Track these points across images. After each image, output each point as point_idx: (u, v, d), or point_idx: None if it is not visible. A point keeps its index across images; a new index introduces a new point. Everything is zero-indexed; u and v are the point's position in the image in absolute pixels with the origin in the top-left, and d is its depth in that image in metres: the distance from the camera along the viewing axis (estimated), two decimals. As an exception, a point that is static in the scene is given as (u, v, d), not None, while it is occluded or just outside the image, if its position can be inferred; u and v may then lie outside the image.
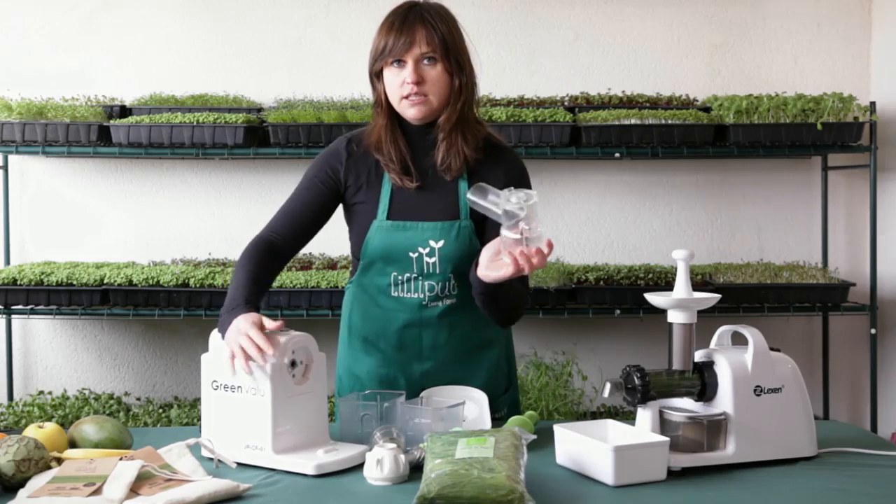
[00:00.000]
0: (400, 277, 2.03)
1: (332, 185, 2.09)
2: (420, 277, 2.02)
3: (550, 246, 1.78)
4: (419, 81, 1.98)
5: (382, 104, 2.05)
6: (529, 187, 2.07)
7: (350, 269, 2.18)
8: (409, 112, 2.02)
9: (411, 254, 2.01)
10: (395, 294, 2.04)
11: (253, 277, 1.93)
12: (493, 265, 1.84)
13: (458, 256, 2.01)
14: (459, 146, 2.03)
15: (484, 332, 2.10)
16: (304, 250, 3.57)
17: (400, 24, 1.99)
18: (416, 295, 2.03)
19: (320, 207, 2.09)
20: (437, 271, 2.02)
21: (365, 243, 2.04)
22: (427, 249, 2.01)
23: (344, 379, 2.17)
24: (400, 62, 2.00)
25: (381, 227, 2.03)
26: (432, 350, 2.06)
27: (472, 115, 2.07)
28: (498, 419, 2.09)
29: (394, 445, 1.63)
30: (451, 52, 2.01)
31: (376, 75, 2.05)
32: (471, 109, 2.06)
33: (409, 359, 2.07)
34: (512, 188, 1.76)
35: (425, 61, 1.99)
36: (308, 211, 2.08)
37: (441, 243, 2.01)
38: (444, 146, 2.03)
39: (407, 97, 2.00)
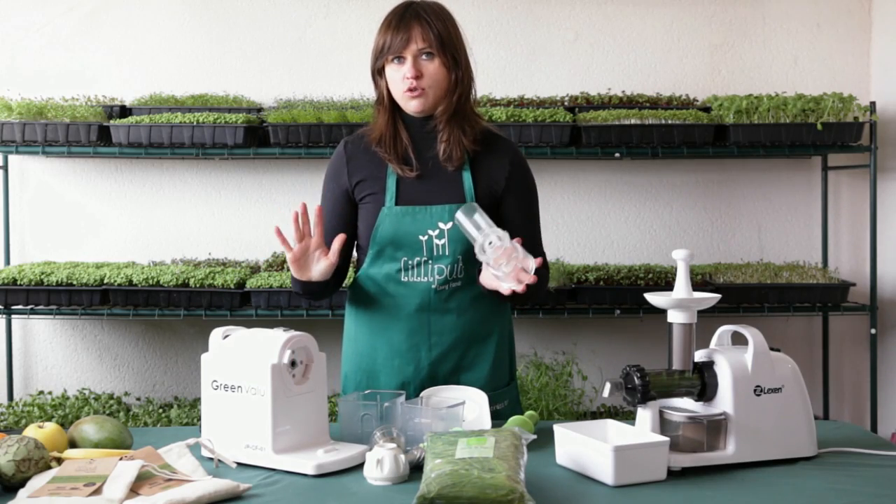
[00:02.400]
0: (410, 262, 2.09)
1: (343, 193, 2.18)
2: (430, 261, 2.09)
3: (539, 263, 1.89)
4: (418, 76, 2.07)
5: (385, 101, 2.15)
6: (530, 175, 2.20)
7: (354, 265, 2.21)
8: (410, 105, 2.11)
9: (421, 237, 2.08)
10: (405, 279, 2.10)
11: None
12: (488, 276, 1.96)
13: (465, 237, 2.03)
14: (458, 137, 2.12)
15: (489, 318, 2.15)
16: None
17: (397, 23, 2.09)
18: (425, 279, 2.09)
19: (349, 216, 2.18)
20: (447, 253, 2.08)
21: (375, 230, 2.10)
22: (436, 231, 2.08)
23: (350, 375, 2.18)
24: (399, 58, 2.09)
25: (390, 213, 2.09)
26: (440, 335, 2.10)
27: (469, 108, 2.16)
28: (499, 410, 2.11)
29: (394, 445, 1.63)
30: (448, 48, 2.10)
31: (378, 73, 2.14)
32: (468, 102, 2.16)
33: (418, 345, 2.10)
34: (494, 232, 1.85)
35: (423, 56, 2.09)
36: (339, 221, 2.17)
37: (450, 225, 2.07)
38: (443, 137, 2.12)
39: (407, 91, 2.08)
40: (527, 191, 2.20)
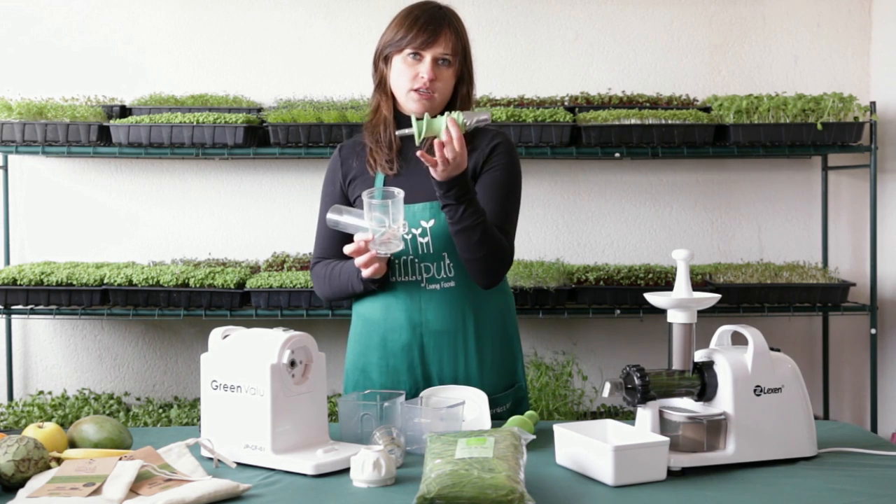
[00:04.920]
0: (397, 261, 2.08)
1: (340, 194, 2.19)
2: (416, 259, 2.08)
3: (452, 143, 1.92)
4: (434, 79, 2.06)
5: (387, 89, 2.14)
6: (512, 159, 2.15)
7: None
8: (414, 105, 2.10)
9: (405, 236, 2.06)
10: (394, 279, 2.10)
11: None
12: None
13: (449, 234, 2.05)
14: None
15: (487, 319, 2.13)
16: (305, 250, 3.59)
17: (426, 20, 2.07)
18: (413, 277, 2.09)
19: None
20: (431, 251, 2.08)
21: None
22: (419, 230, 2.07)
23: (350, 374, 2.19)
24: (417, 55, 2.07)
25: None
26: (433, 336, 2.09)
27: None
28: (500, 413, 2.10)
29: (381, 447, 1.62)
30: (466, 62, 2.12)
31: (384, 59, 2.13)
32: None
33: (410, 345, 2.10)
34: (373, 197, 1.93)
35: (440, 61, 2.08)
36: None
37: (432, 223, 2.07)
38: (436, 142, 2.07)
39: (416, 90, 2.07)
40: (500, 169, 2.12)
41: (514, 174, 2.15)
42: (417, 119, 1.95)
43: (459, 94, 2.13)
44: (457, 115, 1.95)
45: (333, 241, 2.16)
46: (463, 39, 2.11)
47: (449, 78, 2.09)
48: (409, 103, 2.09)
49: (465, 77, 2.13)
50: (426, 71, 2.06)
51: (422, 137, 1.95)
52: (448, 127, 1.91)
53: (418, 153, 1.92)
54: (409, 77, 2.08)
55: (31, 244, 3.70)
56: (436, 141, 1.90)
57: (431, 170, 1.94)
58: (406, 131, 1.98)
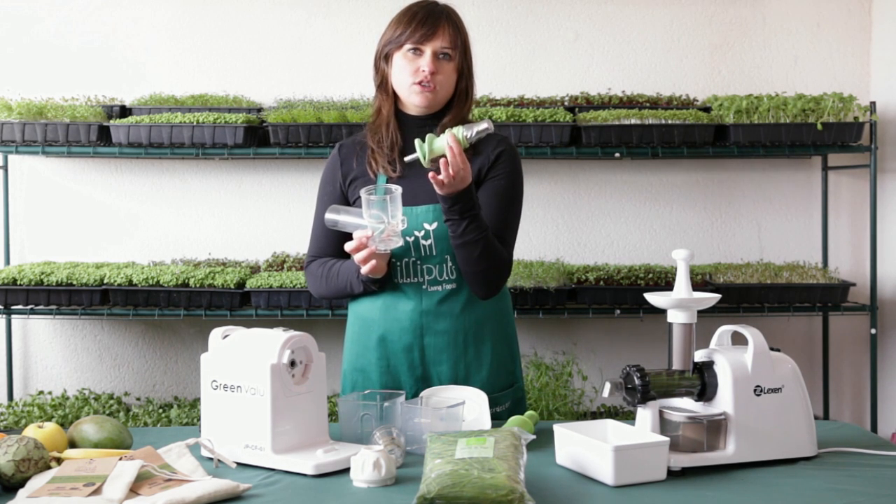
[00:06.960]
0: (399, 263, 2.09)
1: (339, 194, 2.19)
2: (419, 261, 2.09)
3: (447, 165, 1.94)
4: (435, 72, 2.07)
5: (389, 89, 2.15)
6: (515, 166, 2.16)
7: None
8: (416, 99, 2.10)
9: (408, 238, 2.07)
10: (397, 281, 2.10)
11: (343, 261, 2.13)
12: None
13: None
14: None
15: (486, 320, 2.14)
16: (305, 250, 3.58)
17: (424, 16, 2.09)
18: (416, 279, 2.09)
19: None
20: (434, 253, 2.08)
21: None
22: (422, 232, 2.08)
23: (348, 374, 2.19)
24: (417, 50, 2.08)
25: None
26: (434, 336, 2.09)
27: (466, 119, 2.18)
28: (499, 413, 2.10)
29: (381, 447, 1.62)
30: (466, 56, 2.13)
31: (385, 59, 2.14)
32: (469, 113, 2.18)
33: (411, 346, 2.10)
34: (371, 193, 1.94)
35: (440, 56, 2.09)
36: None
37: (434, 225, 2.07)
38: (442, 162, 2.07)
39: (419, 84, 2.08)
40: (504, 177, 2.13)
41: (517, 183, 2.16)
42: (420, 142, 1.97)
43: (459, 89, 2.14)
44: (457, 130, 1.97)
45: (330, 240, 2.17)
46: (462, 34, 2.12)
47: (450, 72, 2.11)
48: (412, 97, 2.10)
49: (464, 72, 2.14)
50: (427, 64, 2.07)
51: (428, 159, 1.96)
52: (449, 144, 1.93)
53: (430, 175, 1.94)
54: (410, 72, 2.08)
55: (31, 244, 3.70)
56: (441, 161, 1.93)
57: (436, 186, 1.96)
58: (412, 157, 2.00)
